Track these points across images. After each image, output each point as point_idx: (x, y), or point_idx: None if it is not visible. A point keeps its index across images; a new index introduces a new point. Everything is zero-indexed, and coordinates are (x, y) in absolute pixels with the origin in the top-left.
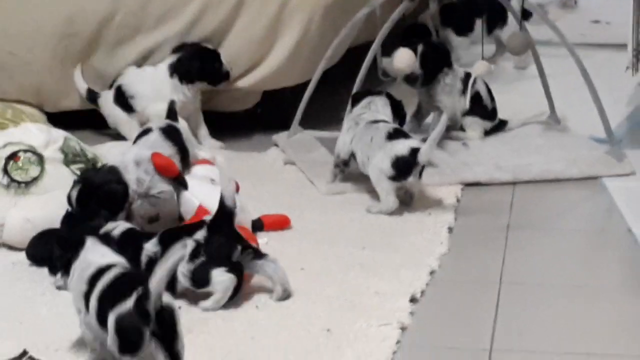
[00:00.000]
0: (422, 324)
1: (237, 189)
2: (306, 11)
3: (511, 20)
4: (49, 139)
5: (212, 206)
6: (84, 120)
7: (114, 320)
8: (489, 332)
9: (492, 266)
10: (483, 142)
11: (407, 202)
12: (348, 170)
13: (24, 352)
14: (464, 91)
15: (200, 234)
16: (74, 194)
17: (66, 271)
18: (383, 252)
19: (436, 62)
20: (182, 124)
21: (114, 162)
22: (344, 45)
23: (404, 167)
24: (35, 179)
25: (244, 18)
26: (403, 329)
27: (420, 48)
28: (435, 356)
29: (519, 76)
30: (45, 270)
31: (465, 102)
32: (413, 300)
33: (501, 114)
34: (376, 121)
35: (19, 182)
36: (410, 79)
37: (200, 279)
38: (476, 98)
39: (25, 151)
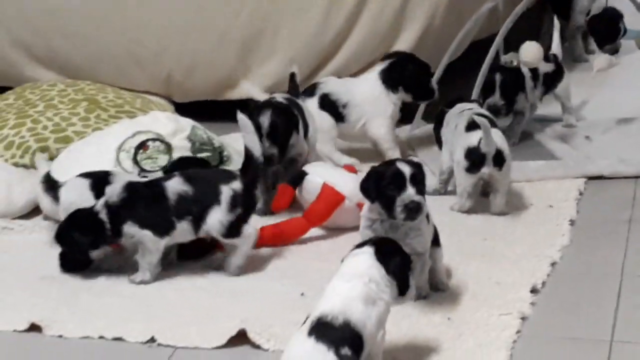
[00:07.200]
0: (542, 314)
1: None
2: (430, 4)
3: None
4: (176, 128)
5: (336, 183)
6: (211, 111)
7: None
8: (609, 323)
9: (613, 259)
10: (607, 136)
11: (493, 203)
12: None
13: (152, 339)
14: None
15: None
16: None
17: None
18: (504, 243)
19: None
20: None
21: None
22: (467, 39)
23: (476, 157)
24: (163, 168)
25: (368, 12)
26: (523, 318)
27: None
28: (555, 346)
29: None
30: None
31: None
32: (534, 290)
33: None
34: (464, 110)
35: (148, 172)
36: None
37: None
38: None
39: (154, 140)
